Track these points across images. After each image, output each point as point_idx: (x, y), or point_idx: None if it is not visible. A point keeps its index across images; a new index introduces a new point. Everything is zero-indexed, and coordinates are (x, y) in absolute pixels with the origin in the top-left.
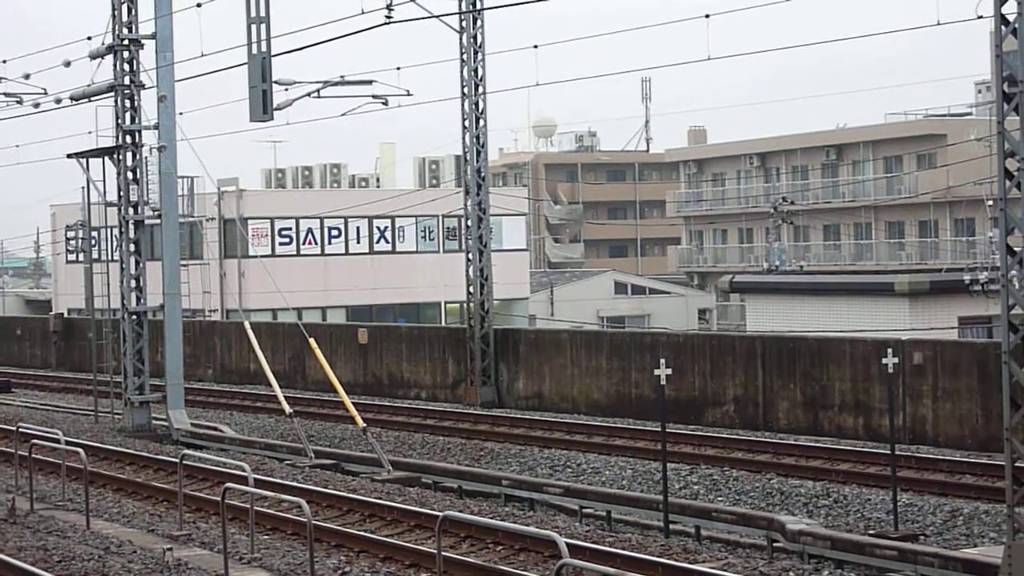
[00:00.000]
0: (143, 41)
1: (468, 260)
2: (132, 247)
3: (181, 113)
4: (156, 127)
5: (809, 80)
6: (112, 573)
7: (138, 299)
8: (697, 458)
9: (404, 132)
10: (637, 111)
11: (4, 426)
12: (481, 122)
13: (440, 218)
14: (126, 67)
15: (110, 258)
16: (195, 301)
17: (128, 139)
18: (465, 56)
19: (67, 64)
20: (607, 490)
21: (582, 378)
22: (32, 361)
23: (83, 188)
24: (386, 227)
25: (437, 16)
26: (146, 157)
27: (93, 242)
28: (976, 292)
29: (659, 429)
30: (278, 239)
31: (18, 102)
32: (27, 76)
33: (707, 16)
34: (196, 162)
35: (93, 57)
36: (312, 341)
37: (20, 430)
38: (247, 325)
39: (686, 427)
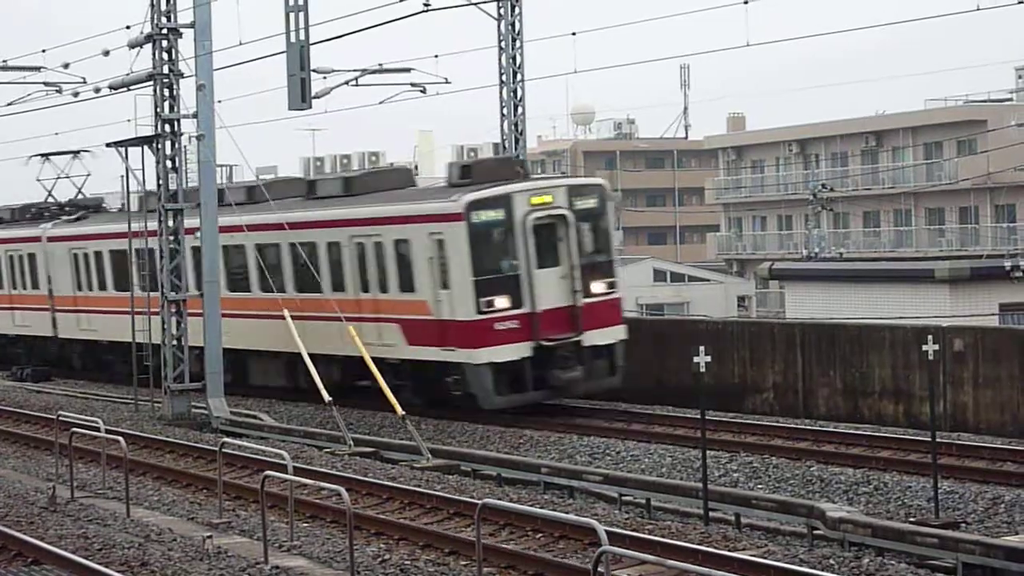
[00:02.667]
0: (182, 30)
1: None
2: (171, 235)
3: (220, 101)
4: (195, 116)
5: (847, 66)
6: (152, 561)
7: (177, 287)
8: (737, 445)
9: (443, 120)
10: (676, 98)
11: (44, 415)
12: (519, 109)
13: None
14: (165, 56)
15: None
16: None
17: (167, 128)
18: (503, 44)
19: (106, 53)
20: (646, 478)
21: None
22: None
23: (122, 177)
24: None
25: (475, 3)
26: (185, 145)
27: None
28: (1017, 278)
29: (698, 416)
30: None
31: (57, 91)
32: (66, 65)
33: (746, 2)
34: (235, 150)
35: (132, 46)
36: (350, 328)
37: (60, 418)
38: (287, 313)
39: (725, 414)
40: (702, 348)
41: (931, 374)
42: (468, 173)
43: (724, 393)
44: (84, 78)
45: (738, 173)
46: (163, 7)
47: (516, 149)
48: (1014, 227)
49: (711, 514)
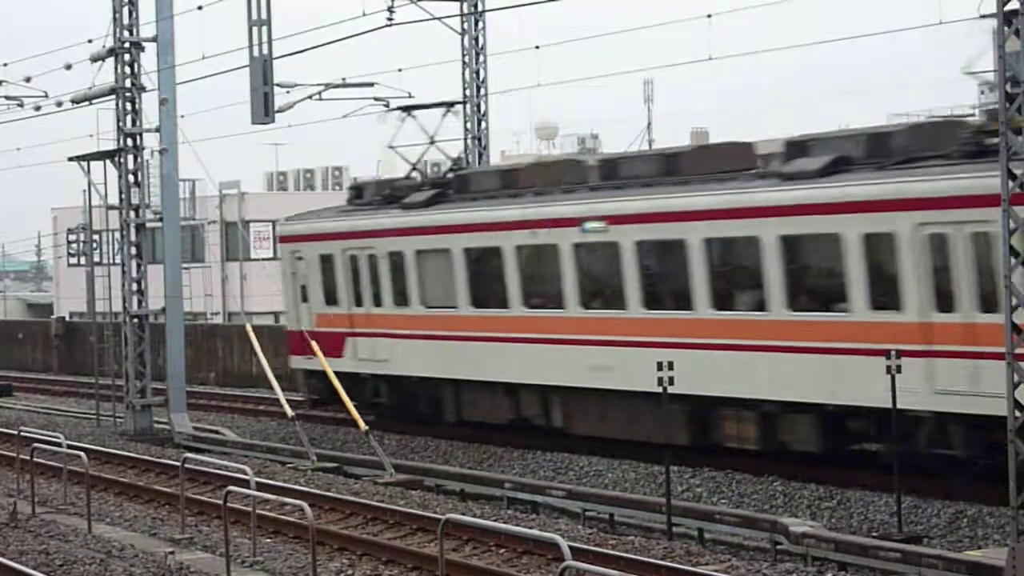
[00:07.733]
0: (144, 44)
1: None
2: (133, 250)
3: (182, 116)
4: (157, 130)
5: (811, 80)
6: None
7: (140, 302)
8: (700, 460)
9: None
10: (639, 113)
11: (6, 430)
12: (483, 124)
13: None
14: (127, 70)
15: (111, 261)
16: (197, 304)
17: (129, 142)
18: (467, 58)
19: (68, 67)
20: (610, 492)
21: None
22: (33, 365)
23: (84, 191)
24: None
25: (438, 18)
26: (147, 160)
27: (94, 245)
28: None
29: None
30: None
31: (19, 105)
32: (28, 79)
33: (709, 16)
34: (198, 165)
35: (94, 60)
36: (314, 344)
37: (22, 434)
38: (249, 328)
39: None
40: (666, 363)
41: (893, 386)
42: None
43: None
44: (46, 92)
45: None
46: (126, 21)
47: (479, 163)
48: None
49: (675, 529)
